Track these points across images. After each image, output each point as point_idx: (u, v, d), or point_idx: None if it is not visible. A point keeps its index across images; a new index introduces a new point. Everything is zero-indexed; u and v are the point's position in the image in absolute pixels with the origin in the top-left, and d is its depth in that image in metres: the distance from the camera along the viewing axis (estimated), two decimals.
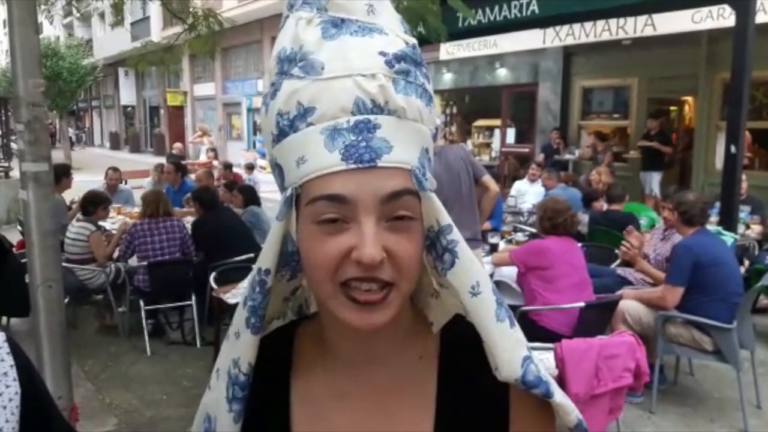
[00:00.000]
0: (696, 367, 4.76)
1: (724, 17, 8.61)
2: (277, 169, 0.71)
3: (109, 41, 28.31)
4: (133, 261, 5.61)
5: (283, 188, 0.71)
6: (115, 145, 35.81)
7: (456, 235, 0.71)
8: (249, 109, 24.14)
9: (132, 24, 20.57)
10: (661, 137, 10.10)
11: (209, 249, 5.63)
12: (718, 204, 6.24)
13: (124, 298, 5.72)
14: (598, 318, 4.02)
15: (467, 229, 4.16)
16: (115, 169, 8.40)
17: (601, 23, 10.59)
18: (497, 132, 14.59)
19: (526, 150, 13.43)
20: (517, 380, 0.71)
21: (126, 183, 9.92)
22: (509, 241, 5.65)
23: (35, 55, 3.13)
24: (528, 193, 8.66)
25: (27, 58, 3.06)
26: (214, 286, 4.70)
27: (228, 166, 10.83)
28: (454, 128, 15.80)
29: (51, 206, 3.25)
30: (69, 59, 24.09)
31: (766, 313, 5.91)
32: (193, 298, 5.43)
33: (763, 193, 7.34)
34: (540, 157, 11.37)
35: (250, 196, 7.02)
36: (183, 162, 11.39)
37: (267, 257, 0.71)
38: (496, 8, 7.95)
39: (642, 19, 10.02)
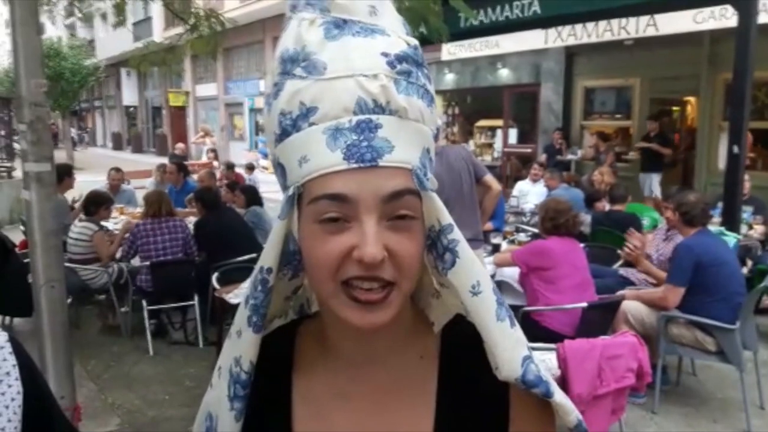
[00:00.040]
0: (699, 368, 4.76)
1: (726, 17, 8.59)
2: (280, 169, 0.72)
3: (111, 41, 28.33)
4: (136, 261, 5.62)
5: (285, 187, 0.71)
6: (118, 146, 35.87)
7: (457, 234, 0.71)
8: (251, 110, 24.16)
9: (134, 24, 20.63)
10: (661, 138, 10.07)
11: (211, 249, 5.63)
12: (720, 204, 6.23)
13: (126, 298, 5.73)
14: (600, 318, 4.02)
15: (469, 229, 4.16)
16: (118, 170, 8.41)
17: (603, 23, 10.58)
18: (499, 132, 14.58)
19: (529, 150, 13.42)
20: (517, 380, 0.71)
21: (128, 183, 9.92)
22: (511, 242, 5.65)
23: (38, 56, 3.14)
24: (530, 193, 8.65)
25: (29, 59, 3.06)
26: (217, 286, 4.70)
27: (230, 167, 10.84)
28: (456, 129, 15.79)
29: (53, 206, 3.26)
30: (71, 59, 24.17)
31: None
32: (196, 298, 5.43)
33: (766, 193, 7.32)
34: (542, 157, 11.37)
35: (253, 197, 7.02)
36: (185, 162, 11.41)
37: (269, 256, 0.72)
38: (498, 8, 7.95)
39: (644, 19, 10.01)
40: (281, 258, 0.73)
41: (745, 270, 5.47)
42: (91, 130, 43.22)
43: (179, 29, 7.90)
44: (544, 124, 12.97)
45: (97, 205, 5.85)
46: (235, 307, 0.79)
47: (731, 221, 5.77)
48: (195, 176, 9.38)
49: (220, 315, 4.77)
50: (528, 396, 0.73)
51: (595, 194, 6.97)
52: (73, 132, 34.20)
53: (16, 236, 6.45)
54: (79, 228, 5.69)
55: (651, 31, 10.09)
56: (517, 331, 0.74)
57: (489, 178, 4.50)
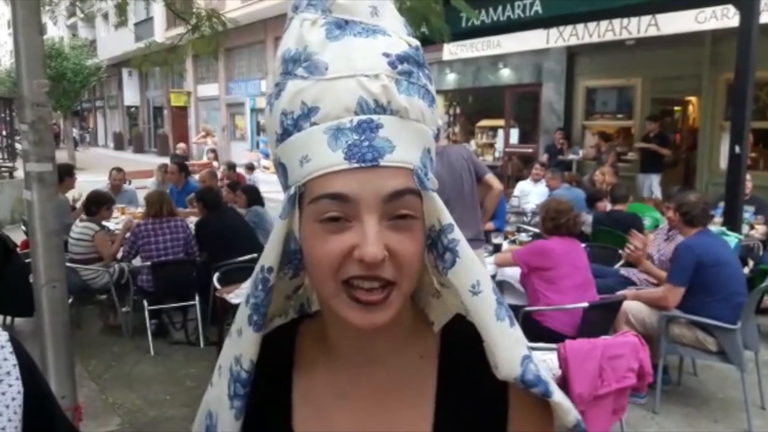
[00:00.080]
0: (700, 368, 4.75)
1: (728, 17, 8.59)
2: (281, 168, 0.72)
3: (113, 42, 28.35)
4: (137, 261, 5.62)
5: (286, 187, 0.71)
6: (119, 146, 35.89)
7: (457, 234, 0.72)
8: (252, 110, 24.17)
9: (135, 24, 20.62)
10: (660, 139, 10.03)
11: (212, 249, 5.64)
12: (722, 204, 6.23)
13: (127, 298, 5.73)
14: (601, 318, 4.02)
15: (469, 229, 4.16)
16: (119, 170, 8.41)
17: (604, 23, 10.57)
18: (501, 132, 14.58)
19: (530, 150, 13.41)
20: (516, 379, 0.71)
21: (130, 183, 9.94)
22: (512, 242, 5.65)
23: (39, 56, 3.14)
24: (531, 193, 8.65)
25: (31, 59, 3.06)
26: (218, 286, 4.70)
27: (231, 167, 10.84)
28: (457, 129, 15.80)
29: (55, 206, 3.26)
30: (73, 60, 24.21)
31: None
32: (197, 298, 5.44)
33: (767, 193, 7.32)
34: (544, 157, 11.36)
35: (254, 197, 7.02)
36: (186, 162, 11.42)
37: (270, 255, 0.72)
38: (500, 8, 7.94)
39: (646, 19, 10.00)
40: (282, 257, 0.73)
41: (746, 270, 5.47)
42: (92, 130, 43.26)
43: (181, 29, 7.91)
44: (546, 124, 12.96)
45: (98, 205, 5.85)
46: (236, 307, 0.79)
47: (733, 221, 5.77)
48: (196, 176, 9.38)
49: (221, 315, 4.77)
50: (527, 395, 0.73)
51: (597, 194, 6.97)
52: (75, 132, 34.24)
53: (17, 236, 6.46)
54: (81, 228, 5.69)
55: (653, 31, 10.08)
56: (517, 331, 0.74)
57: (490, 177, 4.50)
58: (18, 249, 5.28)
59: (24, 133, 3.11)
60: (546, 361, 3.08)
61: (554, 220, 4.11)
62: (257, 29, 21.19)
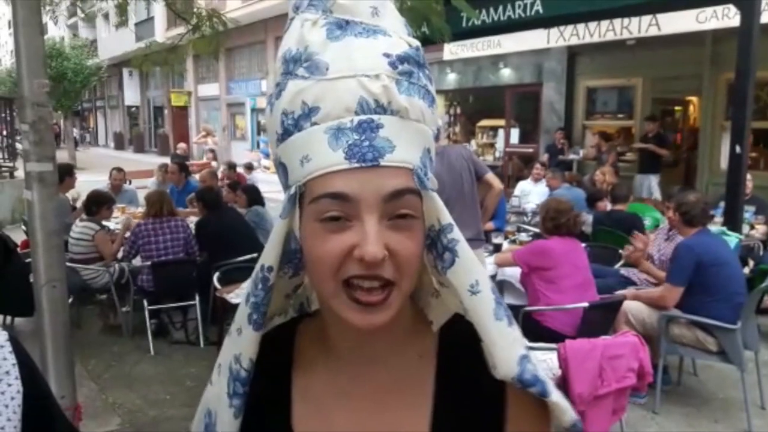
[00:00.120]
0: (700, 368, 4.75)
1: (729, 17, 8.59)
2: (281, 168, 0.72)
3: (114, 42, 28.35)
4: (137, 261, 5.62)
5: (286, 187, 0.72)
6: (120, 146, 35.90)
7: (457, 234, 0.72)
8: (253, 110, 24.17)
9: (136, 24, 20.60)
10: (658, 139, 10.00)
11: (213, 249, 5.64)
12: (722, 204, 6.22)
13: (127, 298, 5.74)
14: (601, 318, 4.02)
15: (469, 229, 4.16)
16: (120, 170, 8.42)
17: (605, 23, 10.57)
18: (501, 132, 14.58)
19: (530, 150, 13.41)
20: (514, 378, 0.72)
21: (130, 183, 9.95)
22: (513, 242, 5.65)
23: (40, 56, 3.14)
24: (532, 193, 8.65)
25: (32, 59, 3.06)
26: (218, 286, 4.71)
27: (232, 166, 10.84)
28: (457, 128, 15.80)
29: (55, 206, 3.26)
30: (73, 60, 24.21)
31: None
32: (197, 297, 5.44)
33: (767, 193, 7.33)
34: (544, 157, 11.36)
35: (254, 196, 7.02)
36: (187, 162, 11.42)
37: (270, 254, 0.72)
38: (500, 8, 7.94)
39: (646, 19, 10.00)
40: (282, 256, 0.74)
41: (746, 270, 5.47)
42: (93, 130, 43.28)
43: (181, 29, 7.90)
44: (546, 123, 12.96)
45: (99, 204, 5.86)
46: (236, 306, 0.80)
47: (733, 221, 5.77)
48: (196, 176, 9.38)
49: (221, 315, 4.78)
50: (524, 395, 0.73)
51: (597, 194, 6.97)
52: (75, 132, 34.25)
53: (17, 236, 6.46)
54: (81, 228, 5.69)
55: (653, 31, 10.08)
56: (515, 331, 0.74)
57: (490, 176, 4.50)
58: (18, 249, 5.28)
59: (24, 133, 3.11)
60: (546, 361, 3.08)
61: (554, 220, 4.11)
62: (258, 29, 21.20)
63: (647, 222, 6.15)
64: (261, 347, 0.76)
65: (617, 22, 10.40)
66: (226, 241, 5.56)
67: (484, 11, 7.96)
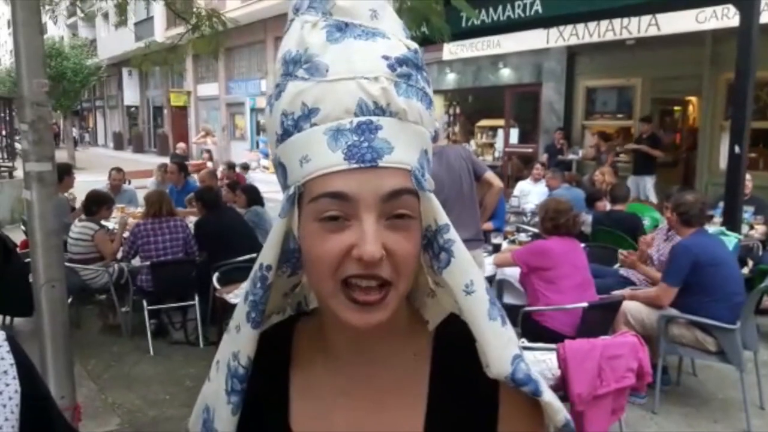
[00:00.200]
0: (699, 368, 4.75)
1: (729, 17, 8.59)
2: (281, 168, 0.73)
3: (113, 41, 28.33)
4: (136, 261, 5.62)
5: (285, 187, 0.72)
6: (119, 145, 35.89)
7: (453, 234, 0.73)
8: (252, 109, 24.16)
9: (135, 24, 20.61)
10: (651, 140, 9.96)
11: (212, 249, 5.63)
12: (721, 204, 6.22)
13: (127, 298, 5.74)
14: (601, 318, 4.02)
15: (469, 229, 4.15)
16: (119, 170, 8.41)
17: (604, 23, 10.57)
18: (500, 132, 14.58)
19: (530, 150, 13.41)
20: (507, 377, 0.72)
21: (129, 183, 9.95)
22: (512, 242, 5.65)
23: (39, 56, 3.14)
24: (531, 193, 8.65)
25: (31, 59, 3.06)
26: (217, 286, 4.70)
27: (231, 166, 10.85)
28: (457, 128, 15.80)
29: (55, 205, 3.26)
30: (73, 59, 24.20)
31: None
32: (196, 298, 5.44)
33: (767, 193, 7.32)
34: (543, 157, 11.37)
35: (254, 196, 7.02)
36: (186, 162, 11.41)
37: (269, 254, 0.73)
38: (500, 8, 7.94)
39: (646, 19, 10.00)
40: (280, 256, 0.74)
41: (746, 270, 5.47)
42: (92, 130, 43.26)
43: (181, 29, 7.90)
44: (546, 123, 12.96)
45: (98, 204, 5.86)
46: (235, 306, 0.80)
47: (732, 221, 5.76)
48: (195, 176, 9.38)
49: (220, 315, 4.78)
50: (517, 394, 0.74)
51: (596, 194, 6.97)
52: (75, 132, 34.22)
53: (17, 236, 6.46)
54: (80, 228, 5.69)
55: (653, 31, 10.08)
56: (509, 331, 0.75)
57: (490, 175, 4.49)
58: (18, 249, 5.29)
59: (24, 132, 3.11)
60: (546, 361, 3.08)
61: (554, 220, 4.11)
62: (257, 29, 21.19)
63: (646, 222, 6.15)
64: (259, 345, 0.77)
65: (617, 22, 10.39)
66: (226, 241, 5.55)
67: (483, 11, 7.96)
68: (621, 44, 10.87)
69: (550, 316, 3.93)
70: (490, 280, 4.88)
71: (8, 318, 5.71)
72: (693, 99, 11.11)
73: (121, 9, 6.98)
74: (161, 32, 23.93)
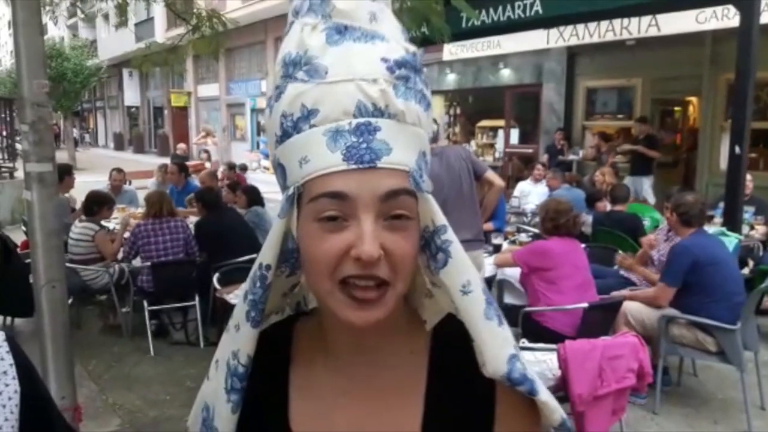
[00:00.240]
0: (699, 368, 4.75)
1: (729, 17, 8.59)
2: (280, 169, 0.74)
3: (113, 42, 28.35)
4: (137, 261, 5.62)
5: (285, 188, 0.73)
6: (119, 146, 35.90)
7: (450, 235, 0.73)
8: (253, 110, 24.16)
9: (136, 25, 20.61)
10: (648, 141, 9.93)
11: (212, 249, 5.64)
12: (722, 204, 6.22)
13: (127, 299, 5.73)
14: (601, 319, 4.02)
15: (469, 229, 4.15)
16: (120, 170, 8.42)
17: (605, 24, 10.56)
18: (501, 133, 14.58)
19: (530, 151, 13.41)
20: (503, 377, 0.73)
21: (130, 184, 9.95)
22: (512, 242, 5.65)
23: (40, 56, 3.14)
24: (532, 193, 8.65)
25: (31, 59, 3.06)
26: (218, 286, 4.71)
27: (232, 167, 10.86)
28: (457, 129, 15.80)
29: (55, 206, 3.26)
30: (73, 60, 24.20)
31: None
32: (197, 298, 5.43)
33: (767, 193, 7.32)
34: (544, 157, 11.37)
35: (254, 197, 7.02)
36: (186, 163, 11.41)
37: (268, 254, 0.74)
38: (500, 9, 7.94)
39: (646, 19, 9.99)
40: (279, 256, 0.75)
41: (746, 270, 5.47)
42: (92, 131, 43.26)
43: (181, 30, 7.89)
44: (546, 124, 12.96)
45: (99, 205, 5.86)
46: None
47: (732, 221, 5.76)
48: (195, 176, 9.38)
49: (221, 315, 4.78)
50: (514, 394, 0.74)
51: (596, 194, 6.97)
52: (75, 132, 34.23)
53: (17, 236, 6.46)
54: (80, 228, 5.69)
55: (653, 31, 10.07)
56: (505, 330, 0.75)
57: (490, 174, 4.49)
58: (18, 249, 5.29)
59: (24, 133, 3.11)
60: (546, 362, 3.08)
61: (554, 221, 4.11)
62: (258, 29, 21.19)
63: (646, 222, 6.15)
64: (259, 345, 0.78)
65: (617, 22, 10.39)
66: (226, 242, 5.56)
67: (483, 11, 7.96)
68: (621, 45, 10.86)
69: (551, 316, 3.93)
70: (491, 280, 4.88)
71: (9, 318, 5.71)
72: (693, 99, 11.11)
73: (122, 10, 6.98)
74: (161, 33, 23.92)
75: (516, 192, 8.99)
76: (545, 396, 0.75)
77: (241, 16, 17.88)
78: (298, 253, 0.74)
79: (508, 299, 4.87)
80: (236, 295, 4.16)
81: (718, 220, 6.23)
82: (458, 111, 15.85)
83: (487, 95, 14.88)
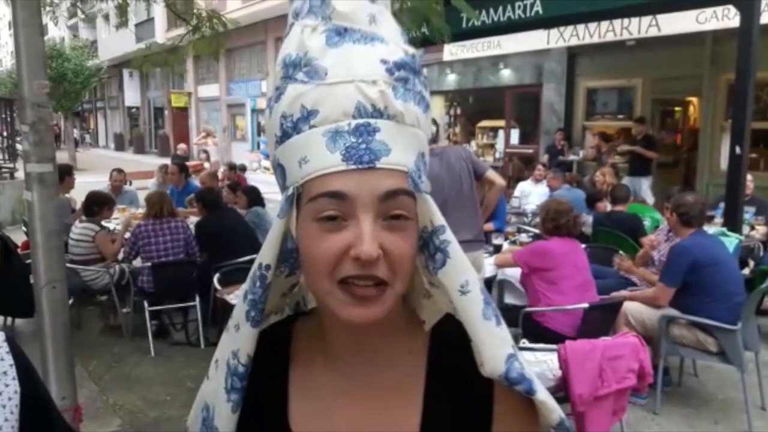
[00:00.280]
0: (700, 369, 4.75)
1: (729, 18, 8.59)
2: (279, 169, 0.74)
3: (114, 42, 28.38)
4: (137, 262, 5.62)
5: (284, 188, 0.73)
6: (120, 146, 35.92)
7: (449, 235, 0.74)
8: (253, 110, 24.17)
9: (136, 25, 20.63)
10: (646, 141, 9.93)
11: (212, 250, 5.64)
12: (722, 205, 6.22)
13: (128, 299, 5.73)
14: (602, 319, 4.02)
15: (469, 230, 4.15)
16: (120, 171, 8.42)
17: (605, 24, 10.56)
18: (501, 133, 14.58)
19: (530, 151, 13.41)
20: (501, 376, 0.73)
21: (130, 184, 9.95)
22: (513, 243, 5.65)
23: (40, 57, 3.14)
24: (532, 193, 8.65)
25: (32, 60, 3.06)
26: (218, 287, 4.70)
27: (232, 167, 10.86)
28: (457, 129, 15.80)
29: (55, 206, 3.26)
30: (74, 60, 24.21)
31: None
32: (197, 299, 5.43)
33: None
34: (544, 158, 11.37)
35: (254, 197, 7.02)
36: (187, 163, 11.41)
37: (267, 253, 0.74)
38: (500, 9, 7.94)
39: (646, 19, 9.99)
40: (279, 256, 0.75)
41: (746, 271, 5.47)
42: (93, 131, 43.28)
43: (181, 30, 7.89)
44: (546, 124, 12.96)
45: (99, 205, 5.86)
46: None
47: (733, 222, 5.76)
48: (195, 177, 9.38)
49: (221, 316, 4.77)
50: (512, 393, 0.75)
51: (597, 194, 6.96)
52: (76, 133, 34.24)
53: (18, 237, 6.46)
54: (80, 229, 5.69)
55: (653, 32, 10.07)
56: (503, 330, 0.76)
57: (491, 173, 4.49)
58: (19, 249, 5.29)
59: (25, 134, 3.11)
60: (547, 362, 3.08)
61: (554, 221, 4.11)
62: (258, 30, 21.20)
63: (647, 223, 6.14)
64: (258, 344, 0.78)
65: (617, 22, 10.39)
66: (226, 242, 5.56)
67: (484, 12, 7.96)
68: (621, 45, 10.86)
69: (551, 316, 3.93)
70: (492, 280, 4.88)
71: (9, 319, 5.71)
72: (693, 99, 11.11)
73: (122, 10, 6.98)
74: (162, 33, 23.93)
75: (516, 192, 8.99)
76: (543, 395, 0.75)
77: (242, 16, 17.89)
78: (297, 254, 0.75)
79: (509, 299, 4.87)
80: (237, 296, 4.16)
81: (718, 220, 6.23)
82: (458, 111, 15.85)
83: (487, 95, 14.88)
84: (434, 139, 4.46)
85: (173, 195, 7.49)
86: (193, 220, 6.33)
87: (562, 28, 11.10)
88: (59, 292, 3.21)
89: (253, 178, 11.42)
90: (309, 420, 0.80)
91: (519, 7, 7.75)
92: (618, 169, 9.50)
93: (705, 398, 4.41)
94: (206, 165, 14.07)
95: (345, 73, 0.69)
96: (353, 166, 0.67)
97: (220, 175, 10.22)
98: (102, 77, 28.23)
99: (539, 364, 3.05)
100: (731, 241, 5.12)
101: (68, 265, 4.69)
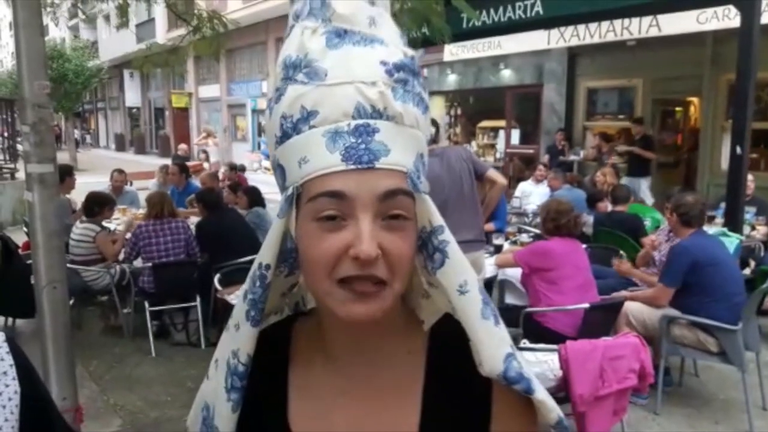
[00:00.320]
0: (701, 369, 4.75)
1: (730, 18, 8.58)
2: (279, 170, 0.74)
3: (114, 43, 28.40)
4: (138, 262, 5.62)
5: (284, 188, 0.74)
6: (120, 147, 35.93)
7: (447, 236, 0.74)
8: (253, 111, 24.16)
9: (137, 26, 20.66)
10: (644, 142, 9.91)
11: (213, 250, 5.64)
12: (723, 205, 6.21)
13: (128, 300, 5.73)
14: (602, 319, 4.02)
15: (470, 230, 4.15)
16: (121, 171, 8.42)
17: (605, 24, 10.56)
18: (502, 133, 14.57)
19: (531, 151, 13.41)
20: (499, 375, 0.73)
21: (131, 184, 9.95)
22: (513, 243, 5.65)
23: (41, 57, 3.14)
24: (533, 194, 8.65)
25: (32, 60, 3.07)
26: (219, 287, 4.71)
27: (233, 168, 10.86)
28: (458, 129, 15.79)
29: (56, 207, 3.26)
30: (74, 61, 24.21)
31: None
32: (198, 299, 5.44)
33: None
34: (545, 158, 11.36)
35: (255, 198, 7.02)
36: (188, 163, 11.42)
37: (267, 253, 0.75)
38: (501, 9, 7.94)
39: (647, 19, 9.99)
40: (278, 255, 0.75)
41: (747, 271, 5.46)
42: (94, 132, 43.27)
43: (182, 31, 7.90)
44: (547, 124, 12.95)
45: (100, 205, 5.86)
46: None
47: (734, 222, 5.76)
48: (195, 177, 9.38)
49: (222, 316, 4.77)
50: (511, 393, 0.75)
51: (597, 195, 6.96)
52: (76, 133, 34.25)
53: (19, 237, 6.47)
54: (81, 229, 5.69)
55: (654, 32, 10.07)
56: (501, 330, 0.76)
57: (492, 173, 4.49)
58: (19, 250, 5.30)
59: (25, 134, 3.12)
60: (547, 362, 3.08)
61: (555, 221, 4.11)
62: (258, 30, 21.21)
63: (647, 223, 6.14)
64: (258, 344, 0.78)
65: (618, 22, 10.38)
66: (227, 243, 5.56)
67: (484, 12, 7.96)
68: (622, 45, 10.86)
69: (552, 317, 3.93)
70: (492, 280, 4.88)
71: (10, 319, 5.71)
72: (694, 100, 11.10)
73: (123, 11, 6.99)
74: (162, 34, 23.95)
75: (517, 192, 8.99)
76: (542, 395, 0.75)
77: (242, 16, 17.91)
78: (297, 253, 0.75)
79: (510, 299, 4.87)
80: (237, 296, 4.15)
81: (719, 220, 6.23)
82: (459, 111, 15.85)
83: (487, 96, 14.88)
84: (435, 140, 4.46)
85: (174, 195, 7.49)
86: (193, 220, 6.34)
87: (562, 29, 11.09)
88: (60, 292, 3.21)
89: (253, 179, 11.42)
90: (308, 420, 0.80)
91: (519, 7, 7.75)
92: (618, 169, 9.50)
93: (706, 398, 4.41)
94: (205, 165, 14.08)
95: (345, 75, 0.69)
96: (353, 166, 0.67)
97: (220, 176, 10.22)
98: (103, 78, 28.24)
99: (540, 365, 3.05)
100: (732, 241, 5.12)
101: (69, 265, 4.69)
